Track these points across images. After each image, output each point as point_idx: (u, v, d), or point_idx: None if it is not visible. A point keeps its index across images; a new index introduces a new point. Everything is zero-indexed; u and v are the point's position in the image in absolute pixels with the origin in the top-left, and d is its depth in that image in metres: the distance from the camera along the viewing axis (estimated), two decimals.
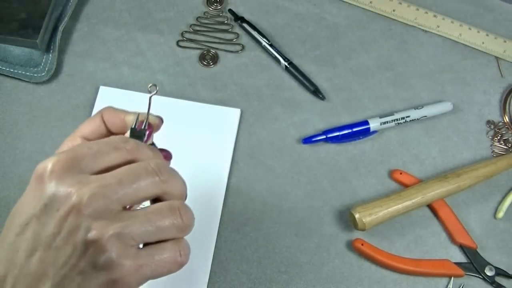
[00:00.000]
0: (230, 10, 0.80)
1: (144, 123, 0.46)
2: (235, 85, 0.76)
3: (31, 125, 0.73)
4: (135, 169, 0.40)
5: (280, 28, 0.80)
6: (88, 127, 0.48)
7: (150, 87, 0.46)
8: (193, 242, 0.67)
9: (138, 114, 0.47)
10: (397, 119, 0.73)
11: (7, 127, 0.73)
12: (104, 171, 0.40)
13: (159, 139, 0.51)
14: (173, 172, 0.42)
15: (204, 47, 0.78)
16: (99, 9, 0.80)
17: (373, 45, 0.79)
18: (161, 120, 0.48)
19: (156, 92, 0.46)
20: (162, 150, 0.47)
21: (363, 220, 0.67)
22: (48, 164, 0.39)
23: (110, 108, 0.48)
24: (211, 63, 0.77)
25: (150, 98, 0.46)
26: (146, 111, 0.47)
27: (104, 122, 0.48)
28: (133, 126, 0.46)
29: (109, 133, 0.49)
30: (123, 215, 0.39)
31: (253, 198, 0.71)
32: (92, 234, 0.38)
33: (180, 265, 0.41)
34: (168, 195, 0.41)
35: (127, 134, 0.46)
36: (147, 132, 0.46)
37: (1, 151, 0.72)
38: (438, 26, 0.80)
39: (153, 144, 0.48)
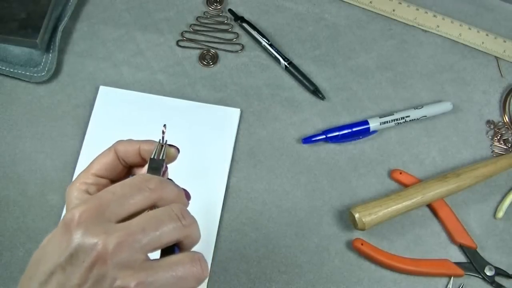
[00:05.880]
0: (230, 10, 0.80)
1: (162, 154, 0.46)
2: (235, 85, 0.76)
3: (31, 125, 0.73)
4: (159, 215, 0.41)
5: (280, 28, 0.80)
6: (100, 163, 0.49)
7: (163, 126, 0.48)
8: None
9: (158, 142, 0.47)
10: (397, 119, 0.74)
11: (7, 127, 0.73)
12: (131, 215, 0.41)
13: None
14: (193, 218, 0.43)
15: (204, 47, 0.78)
16: (99, 9, 0.80)
17: (373, 45, 0.79)
18: (177, 150, 0.49)
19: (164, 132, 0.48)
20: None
21: (363, 220, 0.67)
22: (75, 214, 0.40)
23: (122, 141, 0.49)
24: (211, 63, 0.77)
25: (163, 137, 0.47)
26: (161, 140, 0.47)
27: (117, 155, 0.49)
28: (152, 156, 0.46)
29: (124, 166, 0.49)
30: (147, 264, 0.40)
31: (253, 198, 0.71)
32: (117, 284, 0.38)
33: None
34: (188, 238, 0.42)
35: (146, 166, 0.46)
36: (164, 163, 0.46)
37: (1, 151, 0.72)
38: (438, 26, 0.80)
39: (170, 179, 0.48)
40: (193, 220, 0.42)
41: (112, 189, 0.41)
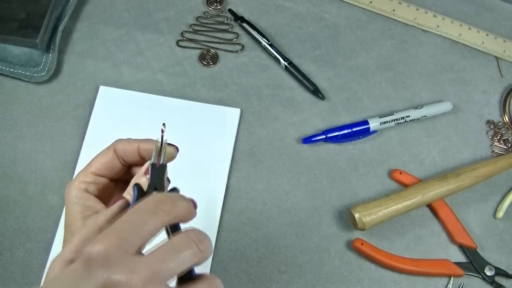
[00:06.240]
0: (230, 10, 0.80)
1: (162, 158, 0.46)
2: (235, 85, 0.76)
3: (31, 125, 0.73)
4: (177, 244, 0.41)
5: (280, 28, 0.80)
6: (99, 162, 0.49)
7: (162, 125, 0.47)
8: None
9: (155, 143, 0.47)
10: (397, 119, 0.74)
11: (7, 127, 0.73)
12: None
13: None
14: (208, 238, 0.42)
15: (204, 47, 0.78)
16: (99, 9, 0.80)
17: (373, 45, 0.79)
18: (176, 149, 0.49)
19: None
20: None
21: (363, 220, 0.67)
22: (95, 249, 0.39)
23: (121, 140, 0.49)
24: (211, 63, 0.77)
25: (162, 136, 0.47)
26: (160, 139, 0.47)
27: (116, 154, 0.49)
28: (153, 162, 0.46)
29: (123, 165, 0.49)
30: None
31: (253, 198, 0.71)
32: None
33: None
34: (205, 259, 0.42)
35: (146, 164, 0.46)
36: (166, 168, 0.46)
37: (1, 151, 0.72)
38: (438, 26, 0.80)
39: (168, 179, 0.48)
40: (208, 241, 0.42)
41: (127, 218, 0.41)
